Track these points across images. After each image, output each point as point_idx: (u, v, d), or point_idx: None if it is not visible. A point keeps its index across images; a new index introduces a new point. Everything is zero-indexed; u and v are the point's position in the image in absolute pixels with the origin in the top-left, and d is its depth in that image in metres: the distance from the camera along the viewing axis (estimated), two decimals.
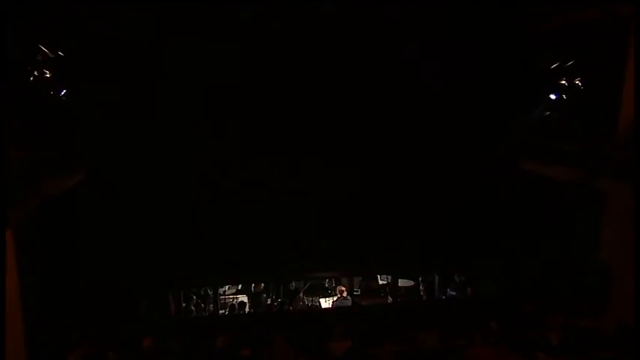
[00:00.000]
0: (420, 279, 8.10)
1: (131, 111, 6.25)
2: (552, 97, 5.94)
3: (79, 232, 6.27)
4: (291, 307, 7.62)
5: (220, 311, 7.45)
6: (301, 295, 7.98)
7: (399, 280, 8.03)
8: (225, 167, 6.76)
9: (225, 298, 7.90)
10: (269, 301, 7.87)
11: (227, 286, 8.13)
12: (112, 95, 6.12)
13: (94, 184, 6.34)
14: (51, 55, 5.24)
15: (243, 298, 7.92)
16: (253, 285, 8.05)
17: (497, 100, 6.71)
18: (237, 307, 7.49)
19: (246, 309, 7.66)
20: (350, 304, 7.39)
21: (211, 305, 7.55)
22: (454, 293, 7.72)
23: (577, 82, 5.54)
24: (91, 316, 5.85)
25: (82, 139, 6.10)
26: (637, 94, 4.86)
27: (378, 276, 8.44)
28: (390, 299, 8.01)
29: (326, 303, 7.96)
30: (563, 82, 5.73)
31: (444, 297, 7.74)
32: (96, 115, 6.15)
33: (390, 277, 8.19)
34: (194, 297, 7.51)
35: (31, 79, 5.09)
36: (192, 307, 7.35)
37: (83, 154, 6.19)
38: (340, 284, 7.95)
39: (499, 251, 7.13)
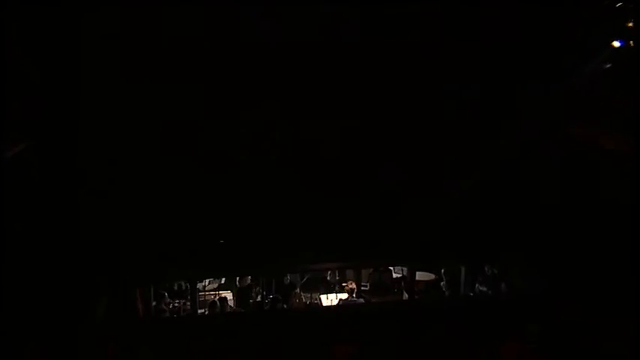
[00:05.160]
0: (443, 271, 7.99)
1: (89, 69, 5.84)
2: (616, 44, 5.63)
3: (21, 214, 5.97)
4: (285, 305, 7.55)
5: (199, 310, 7.38)
6: (298, 290, 7.94)
7: (417, 273, 7.94)
8: (205, 137, 6.54)
9: (204, 295, 7.85)
10: (259, 298, 7.81)
11: (207, 280, 8.09)
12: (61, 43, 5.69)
13: (40, 157, 6.08)
14: None
15: (227, 294, 7.86)
16: (238, 278, 7.97)
17: (539, 50, 6.27)
18: (219, 305, 7.36)
19: (231, 307, 7.59)
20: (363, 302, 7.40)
21: (188, 303, 7.46)
22: (484, 289, 7.61)
23: None
24: (37, 316, 5.69)
25: (25, 99, 5.74)
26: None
27: (392, 268, 8.37)
28: (405, 296, 7.97)
29: (328, 300, 7.91)
30: (631, 24, 5.44)
31: (471, 293, 7.66)
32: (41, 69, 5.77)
33: (405, 269, 8.13)
34: (167, 294, 7.43)
35: None
36: (165, 306, 7.26)
37: (26, 119, 5.84)
38: (349, 279, 7.90)
39: (538, 239, 6.99)
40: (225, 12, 5.77)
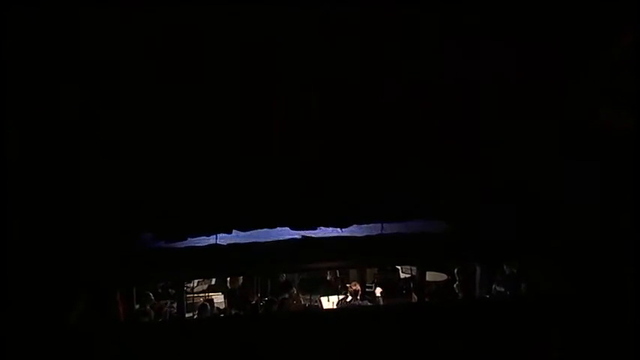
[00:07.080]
0: (456, 271, 7.95)
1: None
2: None
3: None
4: (282, 308, 7.47)
5: (187, 314, 7.36)
6: (294, 291, 7.88)
7: (427, 273, 7.93)
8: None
9: (193, 297, 7.85)
10: (253, 301, 7.77)
11: (195, 281, 8.06)
12: None
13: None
14: None
15: (218, 296, 7.88)
16: (229, 279, 8.01)
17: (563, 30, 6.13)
18: (209, 308, 7.36)
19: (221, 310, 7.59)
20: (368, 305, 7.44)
21: (174, 306, 7.44)
22: (502, 290, 7.50)
23: None
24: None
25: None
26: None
27: (399, 267, 8.41)
28: (415, 298, 7.97)
29: (329, 302, 7.91)
30: None
31: (487, 295, 7.57)
32: None
33: (414, 268, 8.11)
34: (151, 295, 7.40)
35: None
36: (149, 308, 7.21)
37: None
38: (352, 280, 7.93)
39: (565, 237, 6.86)
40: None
